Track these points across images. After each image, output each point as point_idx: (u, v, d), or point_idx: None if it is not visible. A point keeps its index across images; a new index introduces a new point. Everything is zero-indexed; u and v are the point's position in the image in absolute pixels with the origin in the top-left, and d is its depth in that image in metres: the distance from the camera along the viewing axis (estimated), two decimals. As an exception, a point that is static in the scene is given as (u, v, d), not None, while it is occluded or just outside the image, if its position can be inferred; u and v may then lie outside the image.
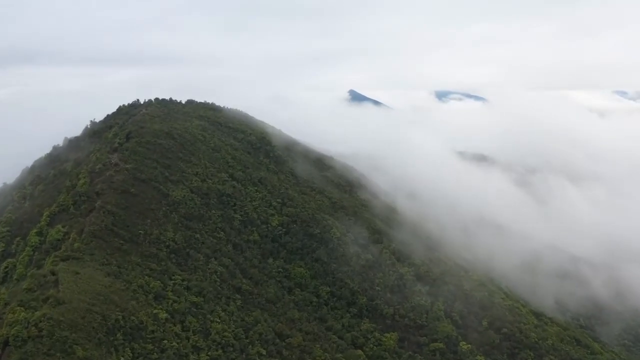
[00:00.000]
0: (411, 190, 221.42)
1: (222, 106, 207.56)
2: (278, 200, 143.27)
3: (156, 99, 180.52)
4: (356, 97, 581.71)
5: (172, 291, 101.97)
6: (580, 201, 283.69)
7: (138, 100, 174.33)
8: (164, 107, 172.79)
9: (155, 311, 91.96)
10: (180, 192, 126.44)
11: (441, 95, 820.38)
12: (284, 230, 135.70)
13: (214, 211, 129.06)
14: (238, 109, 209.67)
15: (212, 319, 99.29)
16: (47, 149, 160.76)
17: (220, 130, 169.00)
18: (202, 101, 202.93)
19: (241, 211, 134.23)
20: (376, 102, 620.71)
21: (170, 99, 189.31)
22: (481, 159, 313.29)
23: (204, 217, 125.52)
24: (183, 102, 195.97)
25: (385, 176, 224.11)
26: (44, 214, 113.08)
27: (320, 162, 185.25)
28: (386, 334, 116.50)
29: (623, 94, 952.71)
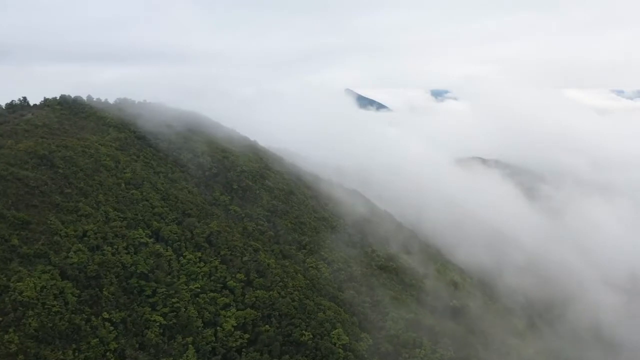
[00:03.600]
0: (418, 215, 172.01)
1: (175, 108, 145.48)
2: (240, 275, 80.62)
3: (62, 96, 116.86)
4: (352, 97, 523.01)
5: None
6: (603, 216, 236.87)
7: (24, 99, 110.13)
8: (67, 111, 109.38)
9: None
10: (35, 281, 63.40)
11: (438, 94, 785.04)
12: (247, 337, 73.27)
13: (107, 314, 66.17)
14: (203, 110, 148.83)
15: None
16: None
17: (154, 147, 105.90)
18: (143, 100, 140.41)
19: (166, 306, 71.63)
20: (372, 102, 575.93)
21: (89, 97, 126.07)
22: (483, 164, 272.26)
23: (82, 332, 62.55)
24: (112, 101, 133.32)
25: (386, 195, 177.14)
26: None
27: (314, 193, 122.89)
28: None
29: (620, 92, 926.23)
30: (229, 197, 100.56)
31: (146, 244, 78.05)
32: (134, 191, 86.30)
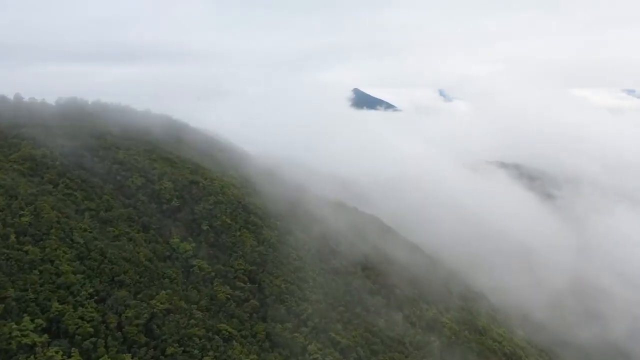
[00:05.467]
0: (435, 229, 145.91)
1: (144, 111, 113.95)
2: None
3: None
4: (360, 97, 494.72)
5: None
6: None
7: None
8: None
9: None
10: None
11: (446, 94, 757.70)
12: None
13: None
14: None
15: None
16: None
17: (88, 169, 72.97)
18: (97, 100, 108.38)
19: None
20: (381, 102, 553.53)
21: (18, 95, 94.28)
22: (499, 167, 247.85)
23: None
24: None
25: (401, 208, 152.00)
26: None
27: (320, 228, 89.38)
28: None
29: (631, 92, 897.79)
30: (193, 244, 67.46)
31: (31, 347, 45.26)
32: (29, 247, 53.49)
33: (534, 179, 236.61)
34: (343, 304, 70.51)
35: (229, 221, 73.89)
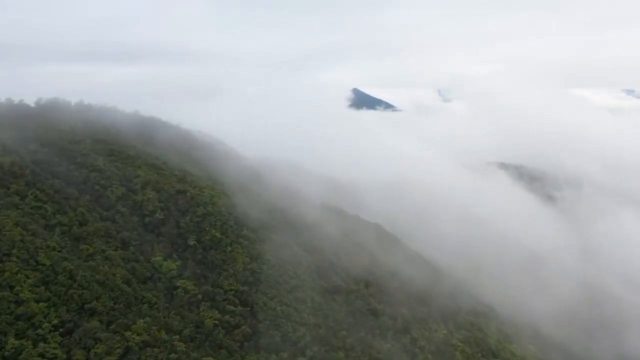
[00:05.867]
0: (436, 235, 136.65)
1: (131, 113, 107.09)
2: None
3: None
4: (360, 97, 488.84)
5: None
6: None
7: None
8: None
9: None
10: None
11: (446, 94, 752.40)
12: None
13: None
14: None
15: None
16: None
17: (64, 178, 65.91)
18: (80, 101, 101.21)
19: None
20: (380, 102, 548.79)
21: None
22: (500, 168, 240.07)
23: None
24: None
25: (404, 213, 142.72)
26: None
27: (319, 239, 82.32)
28: None
29: (630, 92, 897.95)
30: (178, 262, 60.57)
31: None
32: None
33: (535, 180, 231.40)
34: (345, 327, 63.60)
35: (219, 235, 66.87)
